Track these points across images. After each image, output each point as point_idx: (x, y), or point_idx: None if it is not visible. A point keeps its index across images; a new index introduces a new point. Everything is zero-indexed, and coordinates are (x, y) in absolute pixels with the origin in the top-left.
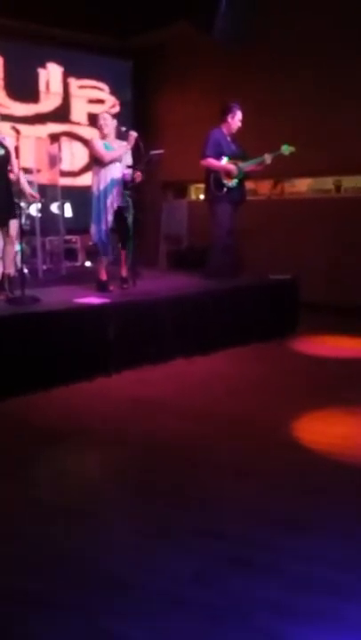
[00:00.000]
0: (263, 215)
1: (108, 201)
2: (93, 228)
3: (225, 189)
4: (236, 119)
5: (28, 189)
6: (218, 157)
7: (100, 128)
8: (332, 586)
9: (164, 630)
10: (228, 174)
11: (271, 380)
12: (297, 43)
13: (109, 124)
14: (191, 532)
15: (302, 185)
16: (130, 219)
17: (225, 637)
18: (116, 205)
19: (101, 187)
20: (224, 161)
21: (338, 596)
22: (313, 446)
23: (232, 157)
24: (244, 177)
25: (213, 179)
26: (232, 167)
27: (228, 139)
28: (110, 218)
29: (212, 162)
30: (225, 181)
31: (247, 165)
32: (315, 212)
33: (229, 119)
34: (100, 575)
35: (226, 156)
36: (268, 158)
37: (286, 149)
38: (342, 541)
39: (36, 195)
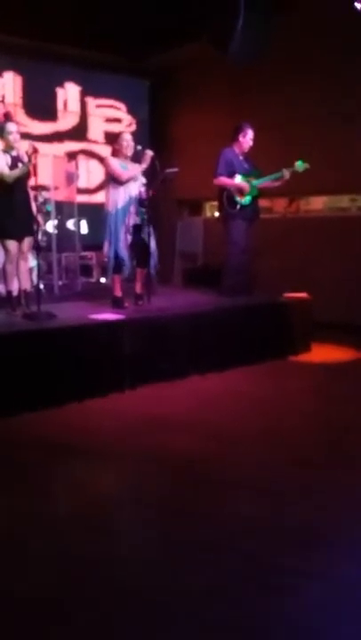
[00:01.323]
0: (278, 233)
1: (126, 219)
2: (107, 246)
3: (238, 207)
4: (247, 138)
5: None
6: (231, 176)
7: (121, 148)
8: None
9: None
10: (241, 191)
11: (285, 397)
12: (310, 60)
13: (130, 145)
14: (205, 547)
15: (318, 203)
16: (146, 236)
17: None
18: (132, 223)
19: (119, 205)
20: (238, 179)
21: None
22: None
23: (245, 175)
24: (257, 194)
25: (226, 196)
26: (244, 184)
27: (241, 157)
28: (129, 236)
29: (224, 180)
30: (238, 199)
31: (261, 182)
32: (330, 229)
33: (240, 138)
34: (114, 589)
35: (239, 173)
36: (286, 173)
37: (301, 166)
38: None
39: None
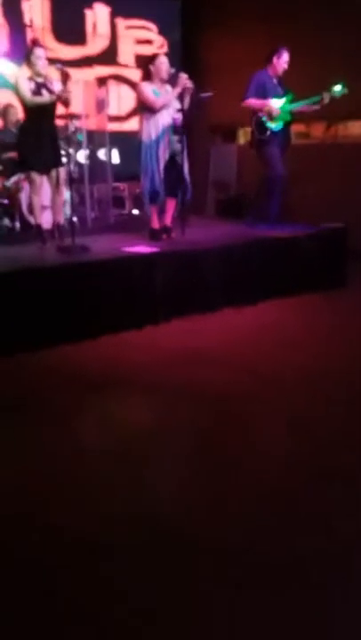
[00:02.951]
0: (316, 160)
1: (161, 149)
2: (144, 178)
3: (268, 132)
4: (281, 60)
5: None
6: (263, 99)
7: (157, 71)
8: None
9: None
10: (271, 115)
11: (319, 333)
12: None
13: (166, 68)
14: (239, 483)
15: (356, 128)
16: (181, 165)
17: (281, 589)
18: (168, 153)
19: (153, 135)
20: (270, 102)
21: None
22: None
23: (279, 99)
24: (290, 119)
25: (255, 121)
26: (274, 107)
27: (275, 81)
28: (162, 166)
29: (252, 102)
30: (268, 123)
31: (297, 107)
32: None
33: (275, 60)
34: (147, 519)
35: (271, 97)
36: (326, 97)
37: (339, 91)
38: None
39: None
